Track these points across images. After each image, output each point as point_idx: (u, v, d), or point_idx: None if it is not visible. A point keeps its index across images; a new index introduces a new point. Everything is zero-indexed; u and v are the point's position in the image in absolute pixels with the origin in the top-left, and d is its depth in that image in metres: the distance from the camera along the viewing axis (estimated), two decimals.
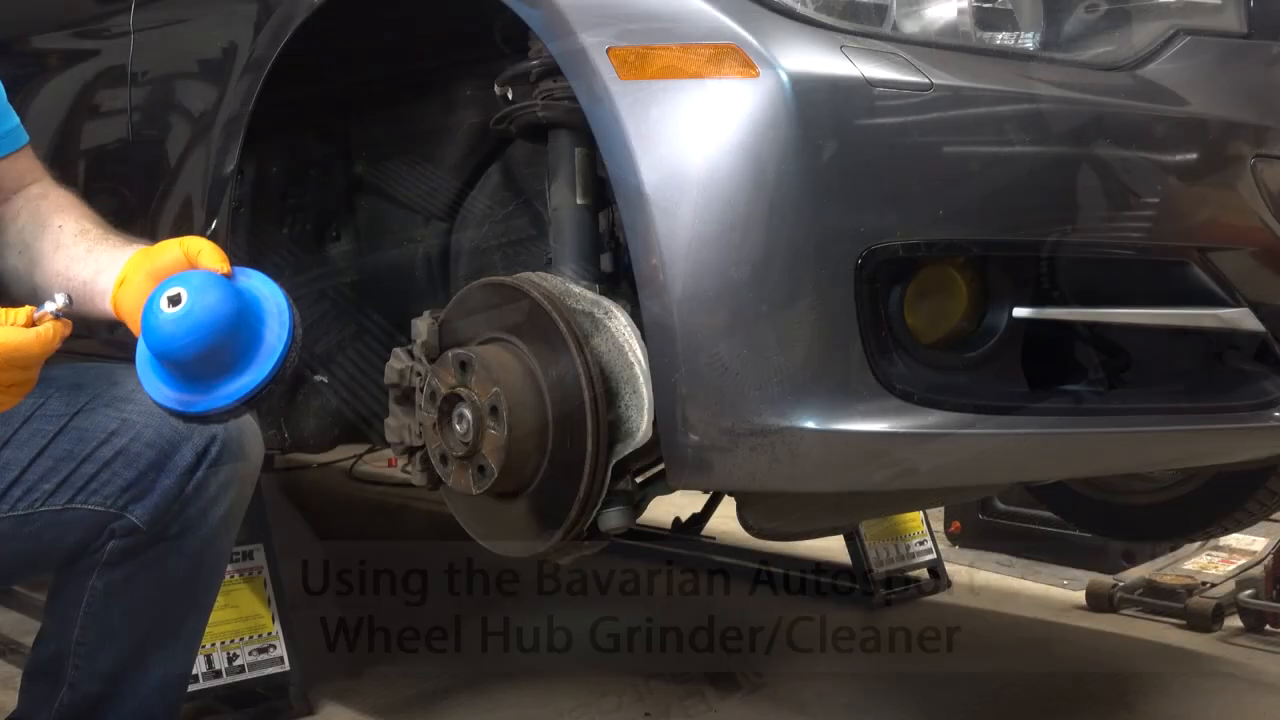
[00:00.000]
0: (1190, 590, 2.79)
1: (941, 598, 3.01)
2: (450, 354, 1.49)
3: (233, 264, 1.25)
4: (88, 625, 1.41)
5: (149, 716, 1.46)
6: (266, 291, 1.21)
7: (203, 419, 1.21)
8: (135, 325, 1.20)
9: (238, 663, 2.11)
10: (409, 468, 1.60)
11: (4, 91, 1.48)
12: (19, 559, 1.39)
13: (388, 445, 1.65)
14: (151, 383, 1.20)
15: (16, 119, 1.49)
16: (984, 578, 3.23)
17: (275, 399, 1.25)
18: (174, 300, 1.14)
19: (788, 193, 1.31)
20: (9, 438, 1.38)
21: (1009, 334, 1.42)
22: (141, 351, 1.20)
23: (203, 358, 1.16)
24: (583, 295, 1.47)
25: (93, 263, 1.34)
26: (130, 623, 1.42)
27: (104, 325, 1.33)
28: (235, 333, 1.16)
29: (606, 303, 1.45)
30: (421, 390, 1.53)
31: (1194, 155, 1.47)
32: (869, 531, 2.94)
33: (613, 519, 1.44)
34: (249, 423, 1.46)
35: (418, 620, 2.81)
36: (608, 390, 1.41)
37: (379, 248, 2.02)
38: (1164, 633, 2.72)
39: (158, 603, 1.43)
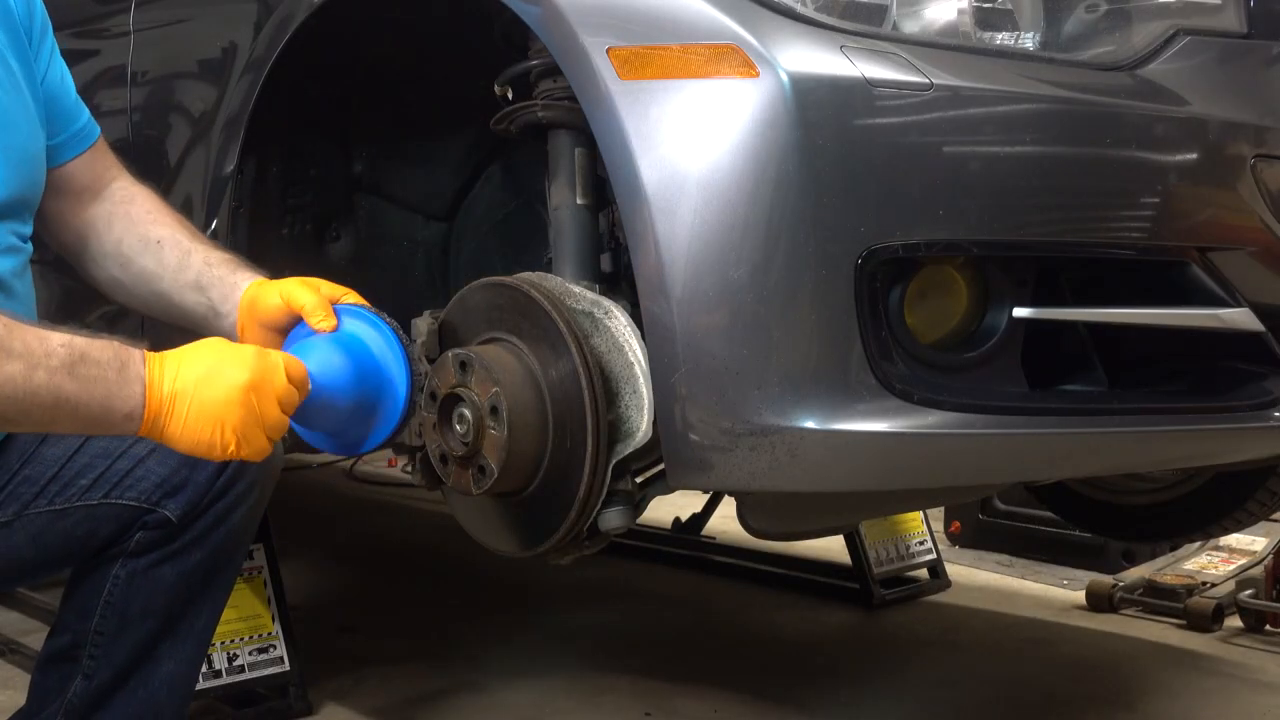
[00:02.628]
0: (1190, 590, 2.79)
1: (941, 598, 3.01)
2: (450, 354, 1.49)
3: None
4: (107, 614, 1.43)
5: (158, 709, 1.47)
6: (371, 333, 1.33)
7: (365, 452, 1.37)
8: None
9: (238, 663, 2.11)
10: (409, 468, 1.59)
11: (74, 87, 1.53)
12: (54, 552, 1.42)
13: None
14: (310, 438, 1.34)
15: (88, 112, 1.54)
16: (984, 578, 3.23)
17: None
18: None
19: (788, 193, 1.31)
20: (45, 435, 1.40)
21: (1009, 334, 1.42)
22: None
23: (338, 424, 1.30)
24: (583, 295, 1.47)
25: (205, 303, 1.45)
26: (148, 614, 1.44)
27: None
28: (360, 394, 1.30)
29: (606, 303, 1.45)
30: (421, 390, 1.53)
31: (1194, 155, 1.47)
32: (869, 531, 2.94)
33: (613, 519, 1.45)
34: None
35: (418, 620, 2.81)
36: (608, 390, 1.41)
37: (379, 248, 2.02)
38: (1164, 633, 2.73)
39: (177, 595, 1.45)
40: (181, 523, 1.41)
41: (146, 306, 1.51)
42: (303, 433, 1.34)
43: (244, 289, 1.41)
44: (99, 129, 1.57)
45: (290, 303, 1.35)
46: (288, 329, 1.36)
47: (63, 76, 1.53)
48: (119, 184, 1.55)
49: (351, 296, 1.39)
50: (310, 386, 1.26)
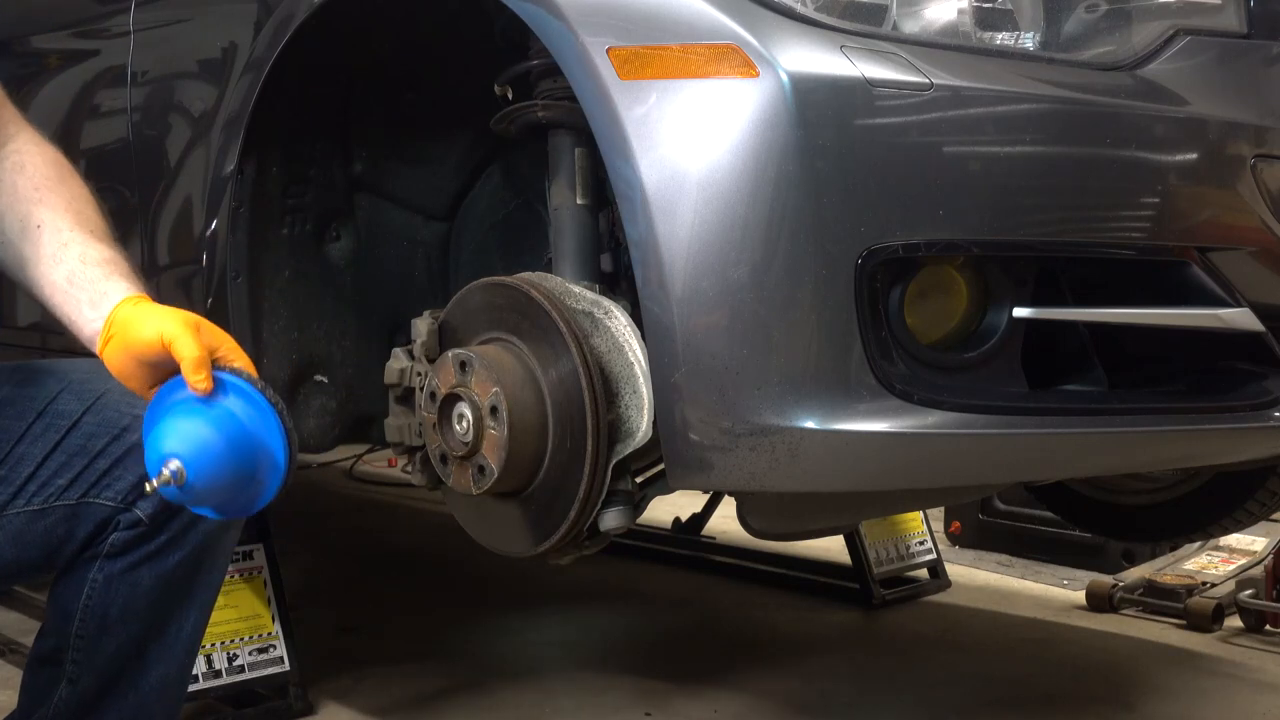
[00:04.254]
0: (1190, 590, 2.79)
1: (941, 598, 3.01)
2: (450, 354, 1.49)
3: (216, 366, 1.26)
4: (87, 618, 1.41)
5: (148, 714, 1.46)
6: (250, 408, 1.24)
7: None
8: (122, 380, 1.28)
9: (238, 663, 2.11)
10: (409, 468, 1.60)
11: None
12: (35, 553, 1.40)
13: (388, 445, 1.65)
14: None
15: None
16: (984, 578, 3.23)
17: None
18: (175, 474, 1.19)
19: (787, 192, 1.31)
20: (23, 433, 1.39)
21: (1009, 334, 1.42)
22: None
23: (215, 503, 1.26)
24: (583, 295, 1.47)
25: (73, 302, 1.32)
26: (129, 617, 1.42)
27: None
28: (238, 476, 1.23)
29: (606, 303, 1.45)
30: (421, 390, 1.53)
31: (1194, 155, 1.47)
32: (869, 531, 2.94)
33: (613, 519, 1.45)
34: None
35: (418, 620, 2.81)
36: (608, 390, 1.41)
37: (379, 248, 2.02)
38: (1164, 633, 2.73)
39: (158, 598, 1.43)
40: (154, 523, 1.38)
41: (28, 293, 1.40)
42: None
43: (117, 302, 1.30)
44: None
45: (170, 347, 1.25)
46: (157, 365, 1.27)
47: None
48: (14, 146, 1.42)
49: (229, 345, 1.28)
50: (189, 476, 1.21)
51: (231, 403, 1.24)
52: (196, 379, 1.23)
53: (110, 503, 1.38)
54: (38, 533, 1.38)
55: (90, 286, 1.32)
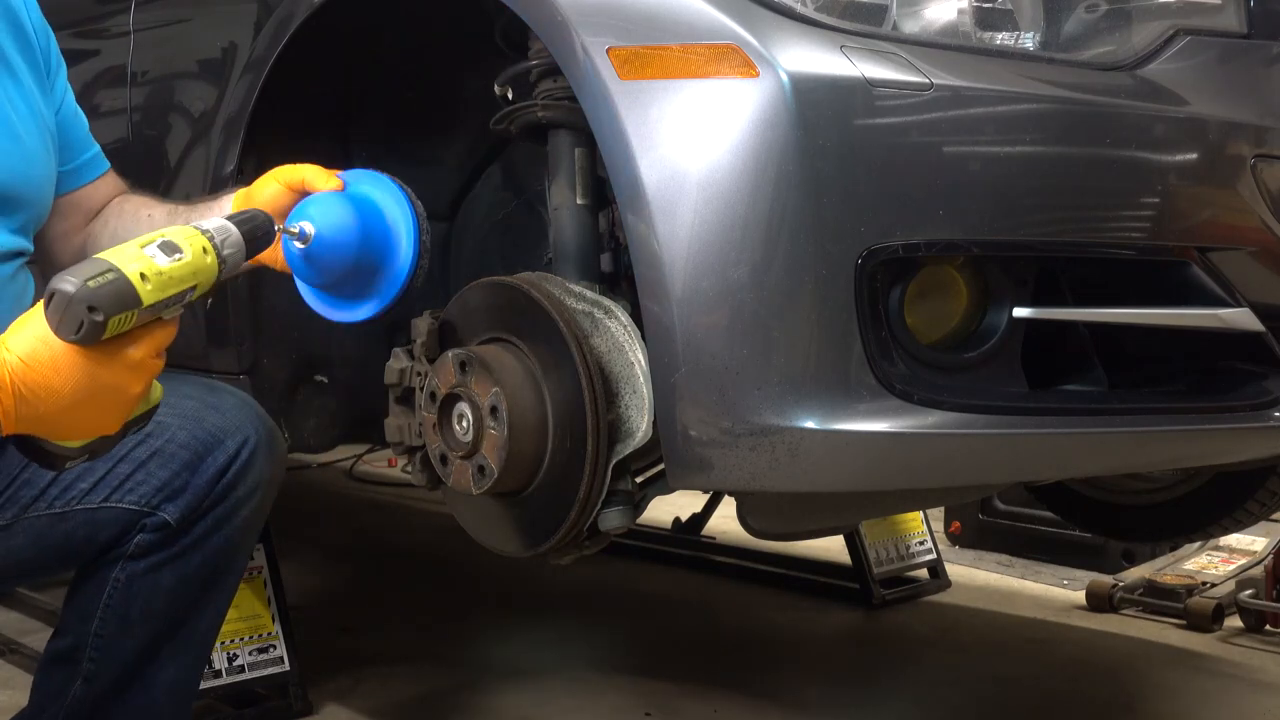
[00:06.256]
0: (1190, 590, 2.80)
1: (941, 598, 3.01)
2: (450, 354, 1.49)
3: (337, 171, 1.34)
4: (107, 617, 1.43)
5: (158, 714, 1.47)
6: (381, 193, 1.29)
7: (374, 319, 1.34)
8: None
9: (238, 663, 2.11)
10: (409, 468, 1.60)
11: (86, 121, 1.60)
12: (54, 554, 1.42)
13: (388, 445, 1.65)
14: (314, 304, 1.30)
15: (99, 148, 1.62)
16: (984, 578, 3.23)
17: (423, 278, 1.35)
18: (301, 237, 1.23)
19: (787, 192, 1.31)
20: None
21: (1009, 334, 1.42)
22: (299, 281, 1.30)
23: (344, 277, 1.27)
24: (583, 295, 1.47)
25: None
26: (148, 617, 1.44)
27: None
28: (365, 246, 1.26)
29: (606, 303, 1.45)
30: (421, 390, 1.53)
31: (1194, 155, 1.47)
32: (869, 531, 2.94)
33: (613, 519, 1.44)
34: (275, 429, 1.50)
35: (418, 620, 2.81)
36: (608, 390, 1.41)
37: None
38: (1164, 633, 2.73)
39: (177, 599, 1.45)
40: (180, 526, 1.41)
41: None
42: (303, 289, 1.30)
43: (232, 198, 1.43)
44: (109, 164, 1.63)
45: (289, 183, 1.33)
46: (287, 213, 1.33)
47: (76, 113, 1.59)
48: (121, 197, 1.61)
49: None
50: (316, 232, 1.23)
51: (365, 187, 1.30)
52: (322, 183, 1.32)
53: (133, 506, 1.40)
54: (58, 535, 1.40)
55: (206, 210, 1.46)
